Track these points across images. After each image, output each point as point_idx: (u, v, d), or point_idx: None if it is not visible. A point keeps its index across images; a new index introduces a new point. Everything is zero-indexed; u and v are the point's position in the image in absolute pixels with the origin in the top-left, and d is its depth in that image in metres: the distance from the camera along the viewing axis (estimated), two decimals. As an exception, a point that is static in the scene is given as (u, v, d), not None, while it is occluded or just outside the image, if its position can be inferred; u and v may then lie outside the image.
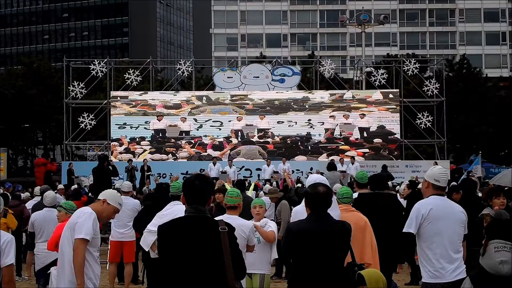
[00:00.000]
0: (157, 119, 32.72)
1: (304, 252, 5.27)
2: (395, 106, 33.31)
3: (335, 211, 7.60)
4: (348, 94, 33.93)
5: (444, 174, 6.32)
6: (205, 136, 32.67)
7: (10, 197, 14.04)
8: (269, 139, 32.63)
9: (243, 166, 29.46)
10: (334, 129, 32.90)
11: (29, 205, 14.39)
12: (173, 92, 35.23)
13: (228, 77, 33.60)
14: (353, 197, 8.04)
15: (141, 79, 34.98)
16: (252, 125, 32.80)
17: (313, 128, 32.89)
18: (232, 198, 6.99)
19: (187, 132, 32.80)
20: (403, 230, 6.22)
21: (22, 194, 17.51)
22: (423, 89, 34.88)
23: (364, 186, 9.24)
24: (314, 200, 5.45)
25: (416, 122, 34.29)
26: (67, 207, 8.76)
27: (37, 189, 15.69)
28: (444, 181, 6.26)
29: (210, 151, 32.18)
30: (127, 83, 34.18)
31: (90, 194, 20.22)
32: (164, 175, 27.44)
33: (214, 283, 4.60)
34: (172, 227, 4.83)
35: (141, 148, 32.35)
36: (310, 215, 5.46)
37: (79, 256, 6.05)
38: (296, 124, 32.90)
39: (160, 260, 4.85)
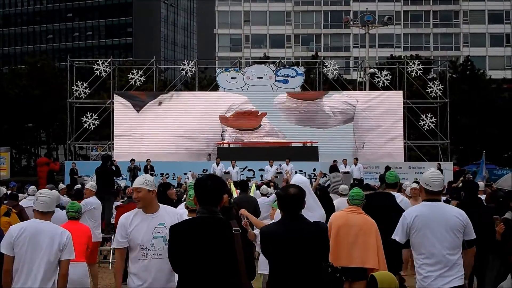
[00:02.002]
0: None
1: (278, 255, 5.18)
2: (398, 107, 33.28)
3: (318, 211, 7.57)
4: (352, 94, 34.02)
5: (436, 178, 6.10)
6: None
7: (8, 198, 13.89)
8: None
9: (246, 167, 29.41)
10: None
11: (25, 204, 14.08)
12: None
13: (231, 78, 33.61)
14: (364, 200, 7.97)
15: (144, 79, 34.99)
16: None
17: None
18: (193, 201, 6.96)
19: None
20: (392, 237, 6.15)
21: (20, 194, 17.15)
22: (427, 90, 34.86)
23: (391, 186, 9.20)
24: (285, 202, 5.34)
25: (420, 123, 34.28)
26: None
27: (31, 188, 15.37)
28: (436, 185, 6.04)
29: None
30: (130, 83, 34.21)
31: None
32: (167, 175, 27.42)
33: (227, 284, 4.59)
34: (184, 228, 4.79)
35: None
36: (283, 217, 5.38)
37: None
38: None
39: (171, 261, 4.83)
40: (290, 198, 5.31)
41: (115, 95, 33.55)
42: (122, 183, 24.16)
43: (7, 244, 6.17)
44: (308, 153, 30.41)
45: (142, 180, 6.03)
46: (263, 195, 15.00)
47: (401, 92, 33.93)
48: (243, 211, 8.20)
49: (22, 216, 13.05)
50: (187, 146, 32.49)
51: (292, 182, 7.46)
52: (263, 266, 7.48)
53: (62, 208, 11.55)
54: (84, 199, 12.23)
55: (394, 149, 32.91)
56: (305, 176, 26.80)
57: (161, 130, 32.46)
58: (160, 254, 5.81)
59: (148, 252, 5.87)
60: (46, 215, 6.32)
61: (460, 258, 5.88)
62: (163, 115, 32.71)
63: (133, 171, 26.27)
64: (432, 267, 5.80)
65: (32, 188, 15.15)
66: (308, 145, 31.18)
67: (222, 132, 32.96)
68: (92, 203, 12.05)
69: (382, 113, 32.96)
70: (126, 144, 32.40)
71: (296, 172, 25.79)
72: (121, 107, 32.92)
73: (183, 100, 33.41)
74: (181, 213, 6.14)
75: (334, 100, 33.13)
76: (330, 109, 32.79)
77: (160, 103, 32.79)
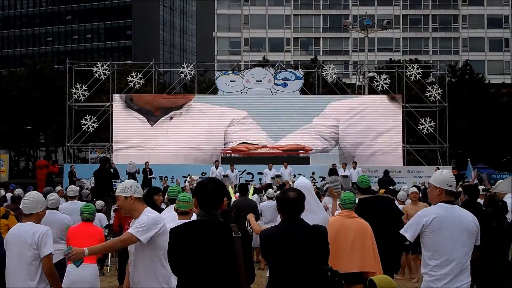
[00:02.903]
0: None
1: (277, 258, 5.18)
2: (397, 111, 33.30)
3: (320, 213, 7.57)
4: (350, 99, 34.04)
5: (454, 178, 6.00)
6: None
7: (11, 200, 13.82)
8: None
9: (245, 170, 29.44)
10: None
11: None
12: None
13: (230, 81, 33.60)
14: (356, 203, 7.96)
15: (143, 82, 34.99)
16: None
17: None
18: (184, 204, 6.93)
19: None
20: (400, 231, 6.03)
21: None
22: (426, 94, 34.87)
23: (365, 190, 9.17)
24: (284, 206, 5.34)
25: (419, 127, 34.29)
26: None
27: (17, 191, 15.08)
28: (455, 185, 6.01)
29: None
30: (129, 85, 34.21)
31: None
32: (166, 178, 27.41)
33: (227, 287, 4.60)
34: (184, 231, 4.80)
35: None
36: (282, 220, 5.38)
37: None
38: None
39: (170, 263, 4.83)
40: (289, 202, 5.31)
41: (130, 109, 33.27)
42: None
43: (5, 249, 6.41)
44: (301, 160, 30.82)
45: (119, 188, 6.01)
46: (269, 198, 15.04)
47: (400, 96, 33.96)
48: (249, 216, 8.20)
49: (19, 219, 13.00)
50: (193, 154, 32.41)
51: (295, 184, 7.47)
52: None
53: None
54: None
55: (392, 153, 32.91)
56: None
57: (171, 141, 32.41)
58: (131, 261, 5.91)
59: (131, 259, 6.02)
60: (29, 217, 6.38)
61: (469, 262, 5.82)
62: (174, 128, 32.66)
63: (132, 174, 26.27)
64: (445, 269, 5.72)
65: (18, 190, 14.97)
66: (301, 155, 31.59)
67: (225, 143, 32.84)
68: (66, 208, 11.84)
69: (380, 117, 32.98)
70: (134, 151, 32.23)
71: (295, 176, 25.87)
72: (131, 119, 32.84)
73: (191, 115, 33.09)
74: (152, 216, 5.93)
75: (320, 127, 33.12)
76: (319, 136, 32.95)
77: (171, 118, 32.78)
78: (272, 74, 33.89)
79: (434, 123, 34.45)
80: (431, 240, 5.82)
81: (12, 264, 6.26)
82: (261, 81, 33.49)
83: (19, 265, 6.18)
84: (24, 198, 6.58)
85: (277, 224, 5.95)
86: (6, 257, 6.37)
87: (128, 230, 5.78)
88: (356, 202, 7.92)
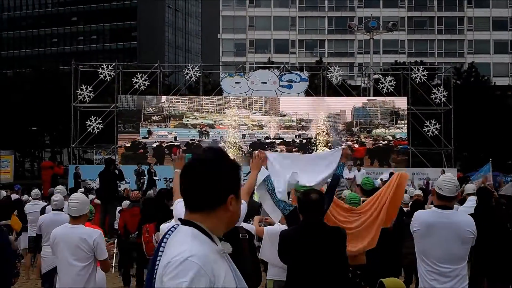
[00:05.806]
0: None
1: (297, 260, 5.16)
2: (402, 114, 33.28)
3: None
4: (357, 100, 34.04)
5: (449, 182, 5.72)
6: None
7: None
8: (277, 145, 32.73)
9: (249, 172, 29.38)
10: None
11: (28, 208, 13.88)
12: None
13: (235, 83, 33.58)
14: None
15: (149, 83, 34.96)
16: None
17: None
18: None
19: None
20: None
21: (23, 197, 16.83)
22: (431, 97, 34.77)
23: (368, 192, 9.12)
24: (306, 207, 5.33)
25: (424, 129, 34.21)
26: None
27: (34, 192, 14.93)
28: (448, 190, 5.68)
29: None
30: (135, 87, 34.22)
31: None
32: (170, 180, 27.37)
33: None
34: None
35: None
36: (302, 221, 5.36)
37: None
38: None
39: None
40: (310, 203, 5.29)
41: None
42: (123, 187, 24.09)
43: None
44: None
45: None
46: None
47: (405, 98, 33.91)
48: (256, 219, 8.20)
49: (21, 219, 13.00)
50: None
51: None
52: (271, 271, 7.40)
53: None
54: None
55: (398, 155, 32.93)
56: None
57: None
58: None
59: None
60: (77, 219, 6.51)
61: (465, 268, 5.70)
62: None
63: (140, 175, 26.27)
64: (437, 275, 5.62)
65: (35, 192, 14.89)
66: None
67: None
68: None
69: (385, 119, 33.03)
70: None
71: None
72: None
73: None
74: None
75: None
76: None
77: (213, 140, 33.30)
78: (277, 76, 33.86)
79: (439, 126, 34.36)
80: (421, 245, 5.76)
81: (64, 265, 6.38)
82: (266, 82, 33.47)
83: (73, 267, 6.31)
84: (70, 200, 6.68)
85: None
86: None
87: None
88: (361, 202, 7.89)
